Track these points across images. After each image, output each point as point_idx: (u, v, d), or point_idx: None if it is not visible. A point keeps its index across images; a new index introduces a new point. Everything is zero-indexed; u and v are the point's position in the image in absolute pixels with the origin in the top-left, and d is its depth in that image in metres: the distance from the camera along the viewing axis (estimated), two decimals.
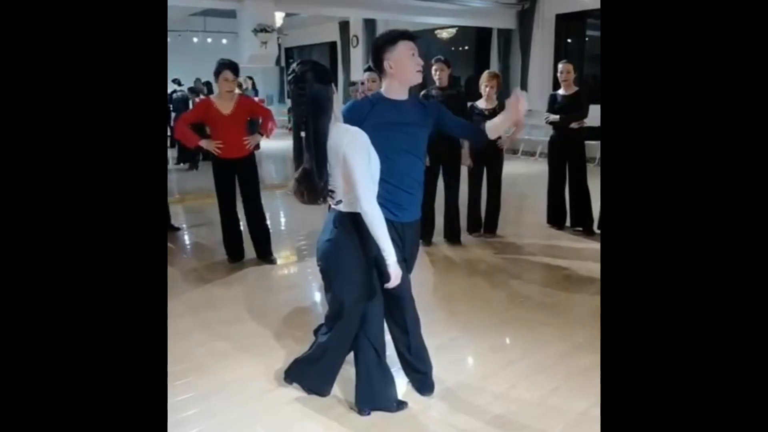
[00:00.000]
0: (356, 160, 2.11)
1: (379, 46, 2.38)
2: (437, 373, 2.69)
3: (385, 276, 2.26)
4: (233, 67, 4.26)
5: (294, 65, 2.20)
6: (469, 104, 5.01)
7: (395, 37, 2.36)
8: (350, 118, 2.32)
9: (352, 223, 2.25)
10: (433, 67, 4.76)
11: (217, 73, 4.23)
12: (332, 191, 2.23)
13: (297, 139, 2.19)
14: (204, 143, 4.37)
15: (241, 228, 4.71)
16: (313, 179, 2.15)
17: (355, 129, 2.17)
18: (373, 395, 2.47)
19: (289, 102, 2.78)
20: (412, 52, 2.35)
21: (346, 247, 2.29)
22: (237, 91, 4.49)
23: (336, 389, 2.61)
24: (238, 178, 4.46)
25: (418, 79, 2.41)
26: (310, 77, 2.13)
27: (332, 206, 2.32)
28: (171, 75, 11.49)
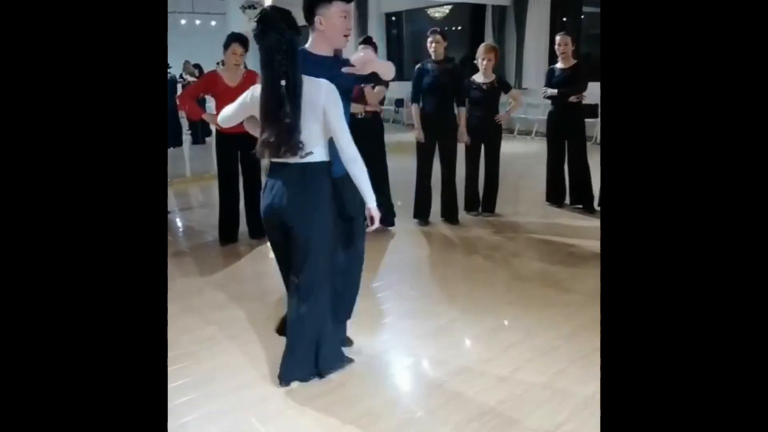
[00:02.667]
0: (338, 112, 2.21)
1: (314, 1, 2.33)
2: (437, 356, 2.57)
3: (370, 219, 2.34)
4: (243, 41, 4.27)
5: (261, 12, 2.18)
6: (466, 80, 4.86)
7: None
8: None
9: (324, 173, 2.31)
10: (429, 39, 4.59)
11: (226, 46, 4.26)
12: (302, 143, 2.20)
13: (276, 90, 2.13)
14: (207, 117, 4.41)
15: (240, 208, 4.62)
16: (293, 133, 2.15)
17: (327, 82, 2.21)
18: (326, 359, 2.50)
19: None
20: (344, 14, 2.35)
21: (323, 199, 2.31)
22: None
23: (331, 376, 2.50)
24: (240, 154, 4.39)
25: (343, 43, 2.42)
26: (284, 25, 2.12)
27: (299, 159, 2.24)
28: None
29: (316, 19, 2.33)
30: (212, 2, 13.05)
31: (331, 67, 2.38)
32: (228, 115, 2.45)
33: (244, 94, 2.37)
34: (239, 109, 2.40)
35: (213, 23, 14.04)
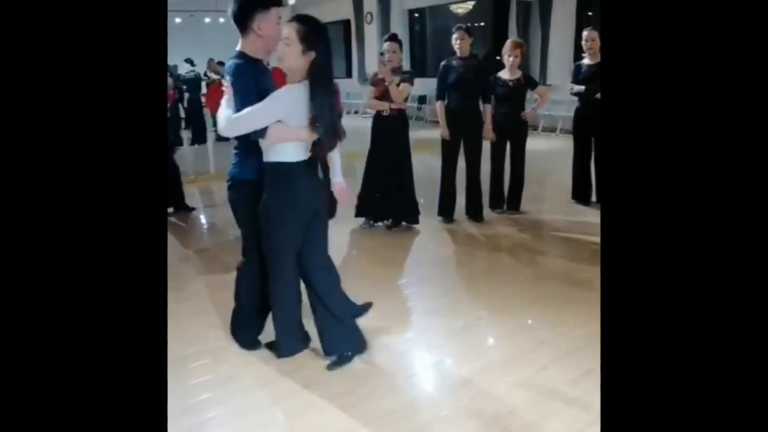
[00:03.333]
0: None
1: (252, 5, 2.35)
2: (461, 355, 2.55)
3: (341, 194, 2.72)
4: None
5: (312, 20, 2.32)
6: (491, 76, 4.82)
7: (268, 1, 2.36)
8: (250, 77, 2.36)
9: None
10: (454, 36, 4.55)
11: None
12: None
13: (332, 95, 2.38)
14: None
15: None
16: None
17: None
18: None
19: None
20: (278, 20, 2.39)
21: None
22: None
23: (350, 376, 2.49)
24: None
25: (278, 47, 2.48)
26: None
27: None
28: (183, 55, 11.42)
29: (255, 25, 2.34)
30: None
31: (265, 72, 2.49)
32: (246, 118, 2.29)
33: (279, 100, 2.30)
34: (269, 114, 2.29)
35: None
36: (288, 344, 2.66)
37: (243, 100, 2.30)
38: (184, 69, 11.11)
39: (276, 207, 2.41)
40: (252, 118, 2.28)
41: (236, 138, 2.46)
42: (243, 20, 2.35)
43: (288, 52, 2.30)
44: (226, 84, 2.36)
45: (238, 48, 2.42)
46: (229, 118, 2.30)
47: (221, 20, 14.66)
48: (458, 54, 4.58)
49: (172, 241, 4.87)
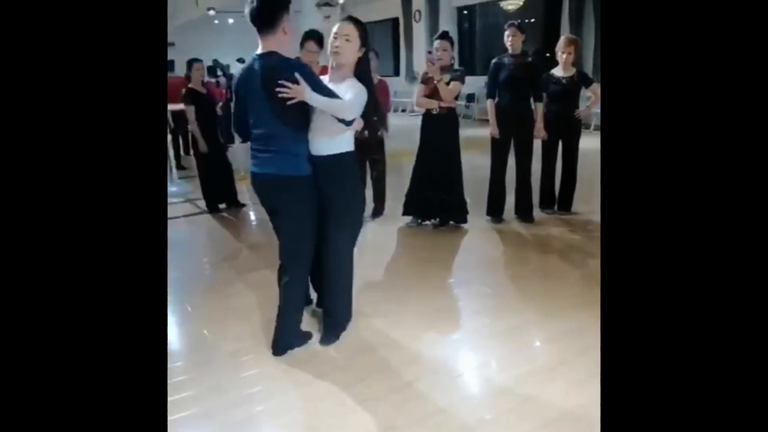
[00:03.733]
0: None
1: (279, 5, 2.38)
2: (508, 357, 2.50)
3: None
4: (318, 38, 4.25)
5: (359, 20, 2.50)
6: (544, 74, 4.74)
7: (289, 4, 2.42)
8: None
9: None
10: (506, 33, 4.48)
11: (302, 44, 4.25)
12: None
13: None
14: None
15: None
16: None
17: None
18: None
19: None
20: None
21: None
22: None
23: (395, 376, 2.50)
24: None
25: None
26: None
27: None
28: (236, 55, 11.66)
29: (284, 24, 2.39)
30: None
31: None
32: (355, 104, 2.49)
33: (364, 92, 2.53)
34: (362, 103, 2.54)
35: None
36: (348, 316, 2.94)
37: (328, 89, 2.44)
38: (236, 69, 11.34)
39: (351, 191, 2.67)
40: (357, 104, 2.50)
41: (273, 134, 2.51)
42: (273, 21, 2.38)
43: (349, 48, 2.52)
44: (300, 79, 2.35)
45: (268, 49, 2.42)
46: (350, 102, 2.45)
47: None
48: (510, 51, 4.51)
49: (225, 236, 5.00)
